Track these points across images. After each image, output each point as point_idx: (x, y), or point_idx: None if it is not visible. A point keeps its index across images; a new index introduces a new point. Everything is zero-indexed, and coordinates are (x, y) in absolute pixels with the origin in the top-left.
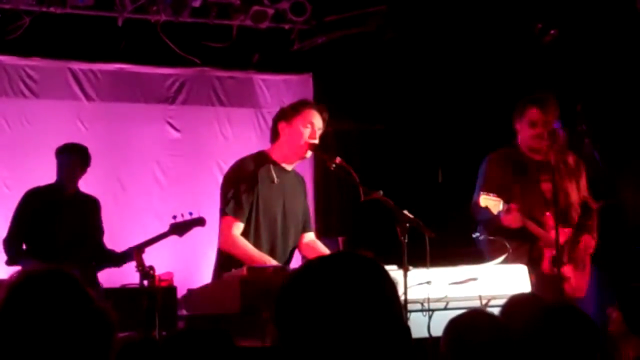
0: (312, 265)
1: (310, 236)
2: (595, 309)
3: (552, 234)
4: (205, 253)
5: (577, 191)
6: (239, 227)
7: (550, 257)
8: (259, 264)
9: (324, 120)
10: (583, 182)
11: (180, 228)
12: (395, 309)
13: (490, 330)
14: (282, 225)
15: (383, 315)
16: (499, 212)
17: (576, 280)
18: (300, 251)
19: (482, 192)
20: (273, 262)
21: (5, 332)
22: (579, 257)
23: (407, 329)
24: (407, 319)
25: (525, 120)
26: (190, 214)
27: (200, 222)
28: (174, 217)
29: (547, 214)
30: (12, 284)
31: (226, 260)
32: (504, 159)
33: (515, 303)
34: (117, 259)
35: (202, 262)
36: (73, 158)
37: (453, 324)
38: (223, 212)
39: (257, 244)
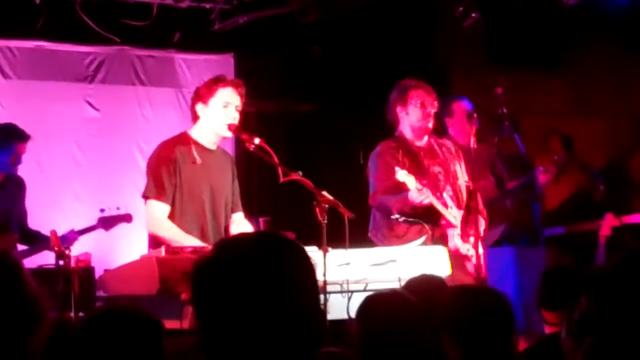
0: (229, 243)
1: (237, 217)
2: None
3: (452, 212)
4: (124, 234)
5: (461, 174)
6: (163, 209)
7: (454, 235)
8: (184, 244)
9: (241, 95)
10: (463, 166)
11: (107, 222)
12: (312, 292)
13: (402, 311)
14: (211, 205)
15: (299, 297)
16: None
17: (477, 259)
18: (227, 232)
19: (397, 169)
20: (198, 243)
21: None
22: (474, 238)
23: (322, 312)
24: (326, 300)
25: (411, 103)
26: (118, 208)
27: (127, 218)
28: (102, 210)
29: (444, 194)
30: None
31: (157, 243)
32: (394, 148)
33: (414, 284)
34: (43, 243)
35: (120, 242)
36: None
37: (365, 304)
38: (146, 196)
39: (184, 227)
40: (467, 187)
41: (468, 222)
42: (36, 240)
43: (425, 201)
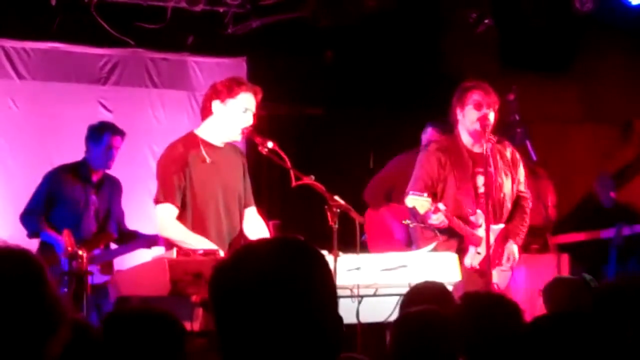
0: (249, 249)
1: (250, 212)
2: None
3: (480, 232)
4: None
5: (511, 185)
6: (171, 211)
7: (474, 253)
8: (194, 245)
9: (257, 102)
10: (520, 176)
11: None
12: (331, 298)
13: (442, 329)
14: (224, 203)
15: (319, 303)
16: (427, 212)
17: (498, 276)
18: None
19: (410, 192)
20: (208, 243)
21: None
22: (502, 255)
23: (340, 319)
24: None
25: (468, 103)
26: None
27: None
28: None
29: (478, 211)
30: None
31: (171, 245)
32: (442, 149)
33: (419, 291)
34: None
35: None
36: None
37: (402, 322)
38: (156, 199)
39: (199, 227)
40: (516, 199)
41: (502, 239)
42: (132, 240)
43: (441, 223)
